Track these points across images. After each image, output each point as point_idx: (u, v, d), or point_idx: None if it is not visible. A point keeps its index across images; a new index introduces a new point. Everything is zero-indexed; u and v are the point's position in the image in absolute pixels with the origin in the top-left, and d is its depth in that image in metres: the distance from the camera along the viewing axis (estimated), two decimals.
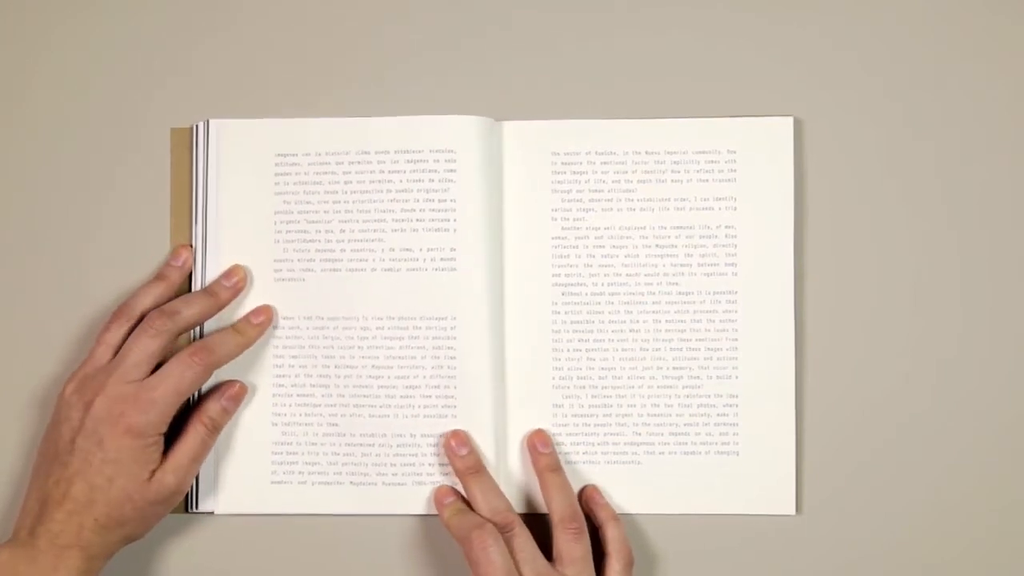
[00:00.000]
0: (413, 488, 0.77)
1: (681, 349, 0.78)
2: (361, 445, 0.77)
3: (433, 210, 0.77)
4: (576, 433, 0.78)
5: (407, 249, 0.77)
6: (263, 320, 0.77)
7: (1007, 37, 0.78)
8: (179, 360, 0.73)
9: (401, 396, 0.77)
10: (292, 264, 0.78)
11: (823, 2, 0.78)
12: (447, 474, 0.77)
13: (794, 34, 0.78)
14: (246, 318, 0.77)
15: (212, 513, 0.78)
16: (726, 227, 0.78)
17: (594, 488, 0.78)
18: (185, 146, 0.79)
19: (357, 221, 0.77)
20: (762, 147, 0.78)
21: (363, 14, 0.79)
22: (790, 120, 0.78)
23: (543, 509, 0.76)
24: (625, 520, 0.77)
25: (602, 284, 0.78)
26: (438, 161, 0.77)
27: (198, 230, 0.78)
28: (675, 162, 0.78)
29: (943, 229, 0.78)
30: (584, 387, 0.78)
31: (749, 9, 0.79)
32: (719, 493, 0.78)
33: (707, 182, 0.78)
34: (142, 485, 0.72)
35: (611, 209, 0.78)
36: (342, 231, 0.77)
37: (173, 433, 0.74)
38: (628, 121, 0.78)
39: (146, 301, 0.76)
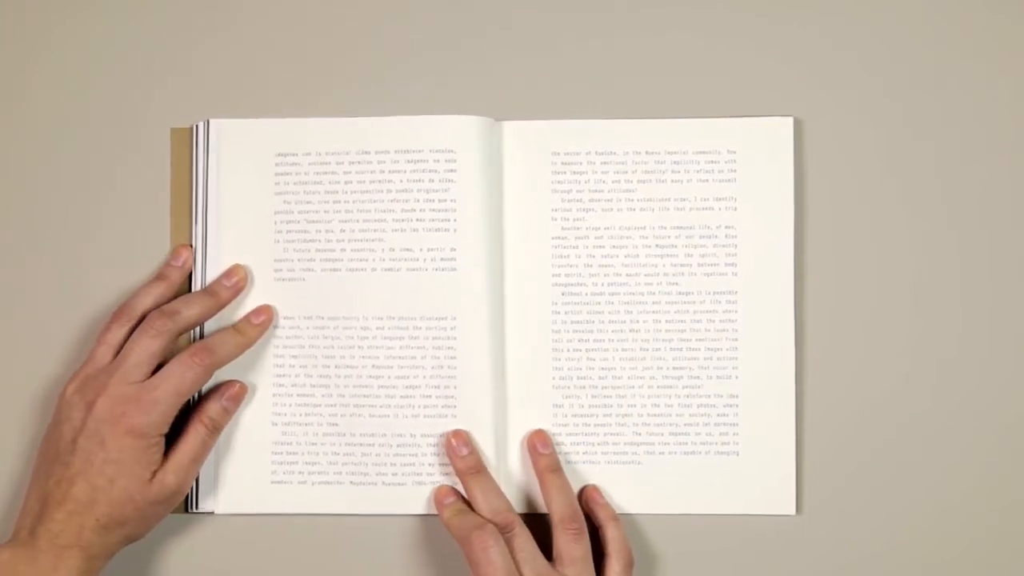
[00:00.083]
0: (413, 488, 0.77)
1: (681, 349, 0.78)
2: (361, 445, 0.77)
3: (433, 210, 0.77)
4: (576, 433, 0.78)
5: (407, 249, 0.77)
6: (264, 320, 0.77)
7: (1007, 37, 0.78)
8: (180, 361, 0.73)
9: (401, 396, 0.77)
10: (292, 264, 0.78)
11: (823, 2, 0.79)
12: (447, 474, 0.77)
13: (794, 34, 0.78)
14: (246, 318, 0.77)
15: (212, 513, 0.78)
16: (726, 227, 0.78)
17: (594, 488, 0.78)
18: (185, 146, 0.79)
19: (357, 221, 0.77)
20: (762, 147, 0.78)
21: (363, 14, 0.79)
22: (790, 120, 0.78)
23: (543, 509, 0.76)
24: (625, 520, 0.77)
25: (602, 284, 0.78)
26: (438, 161, 0.77)
27: (198, 230, 0.78)
28: (675, 162, 0.78)
29: (943, 229, 0.78)
30: (584, 387, 0.78)
31: (749, 9, 0.79)
32: (719, 493, 0.78)
33: (707, 182, 0.78)
34: (143, 485, 0.72)
35: (611, 209, 0.78)
36: (342, 231, 0.77)
37: (174, 433, 0.74)
38: (628, 121, 0.78)
39: (147, 301, 0.76)
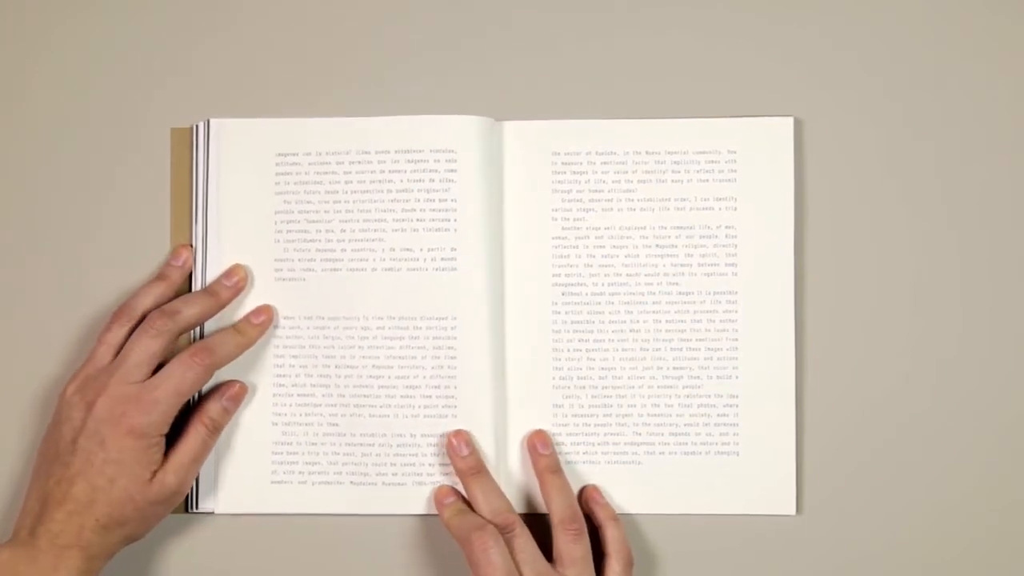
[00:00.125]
0: (413, 488, 0.77)
1: (681, 349, 0.78)
2: (361, 445, 0.77)
3: (434, 210, 0.77)
4: (576, 433, 0.78)
5: (407, 249, 0.77)
6: (264, 320, 0.77)
7: (1007, 37, 0.78)
8: (180, 361, 0.73)
9: (401, 396, 0.77)
10: (293, 264, 0.78)
11: (823, 2, 0.79)
12: (447, 474, 0.77)
13: (794, 34, 0.79)
14: (247, 318, 0.77)
15: (212, 513, 0.78)
16: (726, 227, 0.78)
17: (594, 488, 0.78)
18: (185, 146, 0.79)
19: (358, 221, 0.77)
20: (762, 147, 0.78)
21: (363, 14, 0.79)
22: (790, 120, 0.78)
23: (543, 509, 0.76)
24: (625, 520, 0.77)
25: (602, 284, 0.78)
26: (439, 161, 0.77)
27: (198, 230, 0.78)
28: (675, 162, 0.78)
29: (943, 229, 0.78)
30: (584, 387, 0.78)
31: (749, 9, 0.79)
32: (719, 493, 0.78)
33: (707, 182, 0.78)
34: (143, 485, 0.72)
35: (611, 209, 0.78)
36: (343, 231, 0.77)
37: (174, 433, 0.74)
38: (628, 121, 0.78)
39: (147, 301, 0.76)
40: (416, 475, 0.77)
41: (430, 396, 0.77)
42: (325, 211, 0.77)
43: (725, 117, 0.78)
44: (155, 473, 0.73)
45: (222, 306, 0.77)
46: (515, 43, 0.79)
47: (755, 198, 0.78)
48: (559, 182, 0.78)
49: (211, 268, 0.78)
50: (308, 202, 0.78)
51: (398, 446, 0.77)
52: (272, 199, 0.78)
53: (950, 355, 0.78)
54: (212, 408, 0.75)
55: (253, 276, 0.78)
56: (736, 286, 0.78)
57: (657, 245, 0.78)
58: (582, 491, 0.78)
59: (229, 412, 0.76)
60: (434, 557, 0.78)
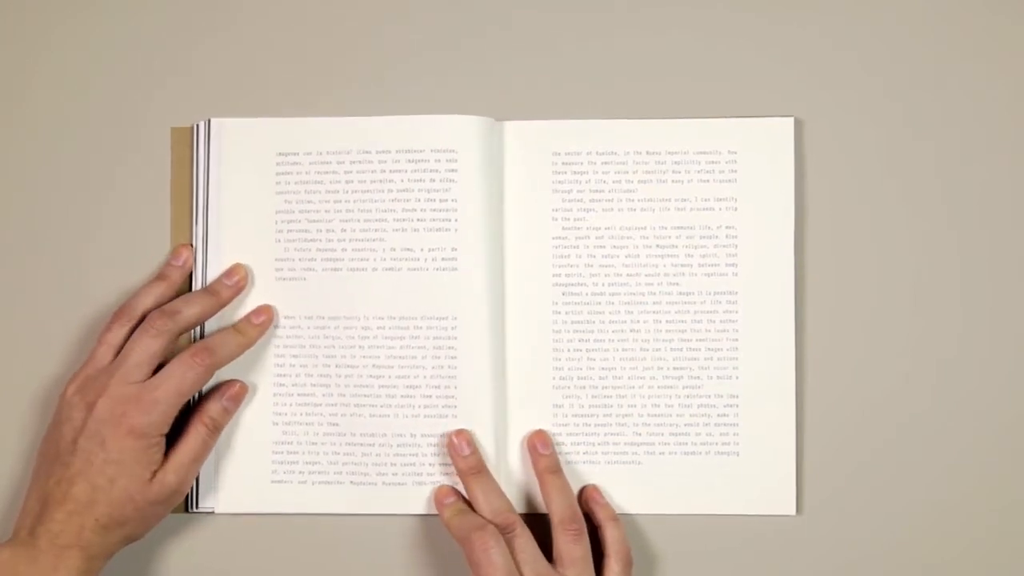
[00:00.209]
0: (413, 488, 0.77)
1: (681, 349, 0.78)
2: (361, 445, 0.77)
3: (434, 210, 0.77)
4: (576, 433, 0.78)
5: (408, 249, 0.77)
6: (264, 320, 0.77)
7: (1007, 37, 0.78)
8: (180, 361, 0.73)
9: (402, 396, 0.77)
10: (293, 263, 0.78)
11: (823, 2, 0.79)
12: (447, 474, 0.77)
13: (794, 34, 0.79)
14: (247, 318, 0.77)
15: (212, 512, 0.78)
16: (727, 227, 0.78)
17: (594, 488, 0.78)
18: (186, 145, 0.79)
19: (358, 220, 0.77)
20: (763, 148, 0.78)
21: (364, 14, 0.79)
22: (790, 121, 0.78)
23: (544, 509, 0.76)
24: (625, 520, 0.77)
25: (603, 284, 0.78)
26: (439, 161, 0.77)
27: (198, 229, 0.78)
28: (676, 162, 0.78)
29: (943, 229, 0.78)
30: (584, 387, 0.78)
31: (749, 9, 0.79)
32: (719, 493, 0.78)
33: (708, 182, 0.78)
34: (144, 485, 0.72)
35: (612, 209, 0.78)
36: (343, 230, 0.77)
37: (174, 433, 0.74)
38: (629, 121, 0.78)
39: (147, 301, 0.76)
40: (416, 475, 0.77)
41: (430, 396, 0.77)
42: (326, 211, 0.77)
43: (725, 117, 0.78)
44: (155, 473, 0.72)
45: (222, 305, 0.77)
46: (515, 43, 0.79)
47: (755, 198, 0.78)
48: (559, 182, 0.78)
49: (211, 268, 0.78)
50: (309, 202, 0.78)
51: (398, 446, 0.77)
52: (273, 199, 0.78)
53: (950, 355, 0.78)
54: (212, 408, 0.75)
55: (254, 276, 0.78)
56: (736, 286, 0.78)
57: (657, 245, 0.78)
58: (582, 491, 0.78)
59: (229, 412, 0.76)
60: (434, 557, 0.78)
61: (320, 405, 0.78)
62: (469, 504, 0.76)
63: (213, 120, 0.78)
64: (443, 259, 0.77)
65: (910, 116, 0.78)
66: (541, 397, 0.78)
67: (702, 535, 0.78)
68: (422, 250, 0.77)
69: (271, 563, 0.78)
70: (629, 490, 0.78)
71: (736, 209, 0.78)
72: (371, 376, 0.77)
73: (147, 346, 0.73)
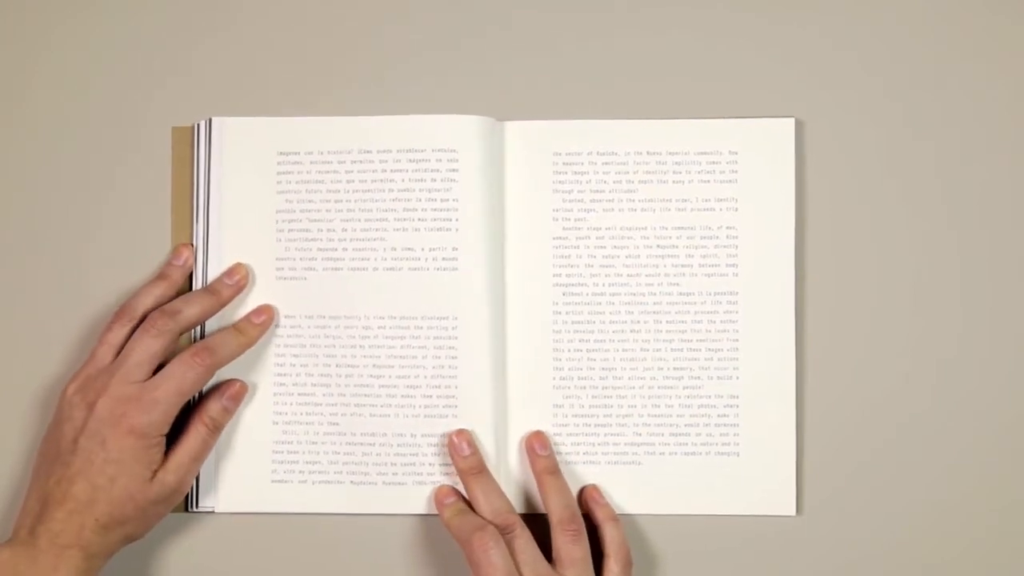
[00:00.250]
0: (413, 488, 0.77)
1: (682, 350, 0.78)
2: (362, 444, 0.77)
3: (435, 209, 0.77)
4: (577, 433, 0.78)
5: (409, 248, 0.77)
6: (264, 320, 0.77)
7: (1007, 37, 0.78)
8: (181, 361, 0.73)
9: (402, 395, 0.77)
10: (294, 263, 0.78)
11: (823, 2, 0.79)
12: (448, 474, 0.77)
13: (794, 34, 0.79)
14: (247, 318, 0.77)
15: (212, 511, 0.78)
16: (727, 228, 0.78)
17: (594, 488, 0.78)
18: (186, 145, 0.79)
19: (359, 220, 0.77)
20: (763, 148, 0.78)
21: (365, 13, 0.79)
22: (791, 121, 0.78)
23: (544, 510, 0.76)
24: (625, 521, 0.77)
25: (603, 284, 0.78)
26: (440, 160, 0.77)
27: (199, 229, 0.78)
28: (676, 163, 0.78)
29: (943, 229, 0.78)
30: (585, 387, 0.78)
31: (749, 9, 0.79)
32: (719, 494, 0.78)
33: (708, 183, 0.78)
34: (144, 485, 0.72)
35: (612, 209, 0.78)
36: (344, 230, 0.77)
37: (174, 432, 0.74)
38: (629, 121, 0.78)
39: (148, 301, 0.76)
40: (416, 475, 0.77)
41: (431, 396, 0.77)
42: (327, 210, 0.77)
43: (725, 117, 0.78)
44: (155, 472, 0.72)
45: (223, 304, 0.77)
46: (516, 43, 0.79)
47: (756, 199, 0.78)
48: (560, 182, 0.78)
49: (212, 267, 0.78)
50: (310, 201, 0.78)
51: (399, 446, 0.77)
52: (274, 198, 0.78)
53: (950, 355, 0.78)
54: (212, 407, 0.75)
55: (254, 275, 0.78)
56: (737, 287, 0.78)
57: (658, 246, 0.78)
58: (582, 491, 0.78)
59: (229, 411, 0.76)
60: (434, 557, 0.78)
61: (320, 405, 0.77)
62: (469, 504, 0.76)
63: (214, 119, 0.78)
64: (444, 259, 0.77)
65: (910, 116, 0.78)
66: (541, 397, 0.78)
67: (702, 535, 0.78)
68: (423, 250, 0.77)
69: (271, 563, 0.78)
70: (629, 490, 0.78)
71: (737, 210, 0.78)
72: (371, 376, 0.77)
73: (148, 346, 0.73)
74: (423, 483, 0.77)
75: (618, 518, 0.76)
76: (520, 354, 0.78)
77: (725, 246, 0.78)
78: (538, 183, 0.78)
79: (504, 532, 0.73)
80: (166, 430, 0.73)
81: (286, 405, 0.78)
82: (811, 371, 0.78)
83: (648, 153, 0.78)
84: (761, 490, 0.78)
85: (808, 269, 0.78)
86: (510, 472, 0.78)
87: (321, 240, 0.77)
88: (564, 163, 0.78)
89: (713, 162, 0.78)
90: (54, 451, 0.72)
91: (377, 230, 0.77)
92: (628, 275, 0.78)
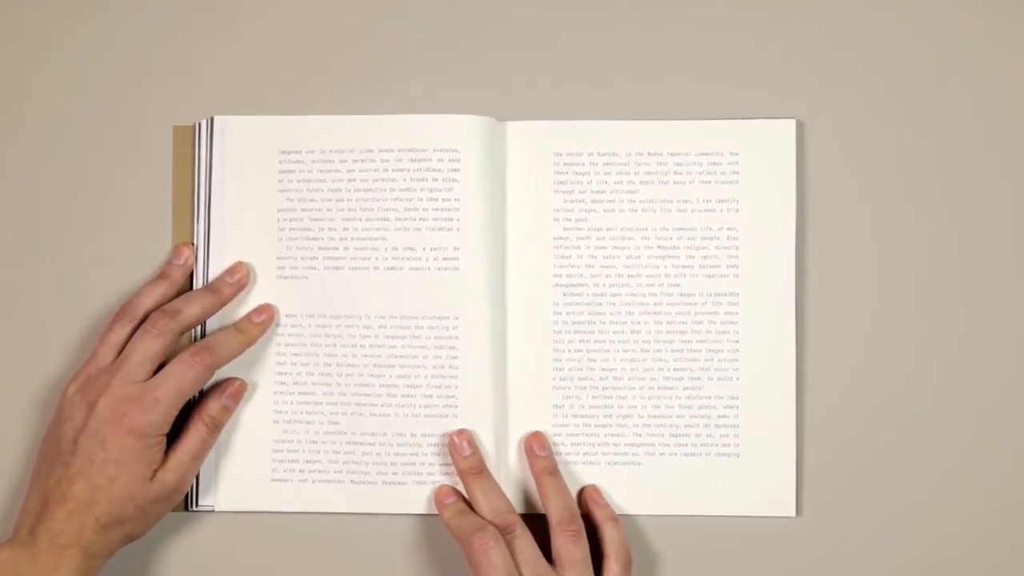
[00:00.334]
0: (414, 487, 0.77)
1: (682, 350, 0.78)
2: (362, 444, 0.77)
3: (436, 209, 0.77)
4: (577, 434, 0.78)
5: (410, 248, 0.77)
6: (265, 319, 0.77)
7: (1007, 37, 0.78)
8: (181, 360, 0.73)
9: (402, 395, 0.77)
10: (295, 262, 0.78)
11: (823, 2, 0.79)
12: (448, 474, 0.77)
13: (794, 34, 0.79)
14: (248, 317, 0.77)
15: (212, 510, 0.78)
16: (728, 229, 0.78)
17: (594, 488, 0.78)
18: (188, 144, 0.79)
19: (360, 219, 0.77)
20: (764, 149, 0.78)
21: (366, 13, 0.80)
22: (792, 123, 0.78)
23: (544, 510, 0.76)
24: (625, 521, 0.77)
25: (604, 285, 0.78)
26: (442, 160, 0.77)
27: (200, 228, 0.78)
28: (677, 164, 0.78)
29: (943, 229, 0.78)
30: (585, 388, 0.78)
31: (749, 9, 0.79)
32: (719, 495, 0.78)
33: (709, 184, 0.78)
34: (144, 484, 0.72)
35: (613, 210, 0.78)
36: (345, 229, 0.77)
37: (174, 432, 0.74)
38: (630, 122, 0.78)
39: (148, 301, 0.76)
40: (416, 474, 0.77)
41: (431, 396, 0.77)
42: (328, 209, 0.77)
43: (725, 117, 0.78)
44: (155, 472, 0.72)
45: (224, 303, 0.77)
46: (517, 43, 0.79)
47: (757, 200, 0.78)
48: (561, 182, 0.78)
49: (213, 266, 0.78)
50: (311, 200, 0.78)
51: (399, 445, 0.77)
52: (275, 197, 0.78)
53: (950, 355, 0.78)
54: (212, 406, 0.75)
55: (255, 274, 0.78)
56: (737, 288, 0.78)
57: (659, 246, 0.78)
58: (582, 491, 0.78)
59: (229, 410, 0.76)
60: (434, 557, 0.78)
61: (321, 404, 0.77)
62: (469, 504, 0.76)
63: (216, 118, 0.78)
64: (445, 259, 0.77)
65: (910, 116, 0.79)
66: (542, 397, 0.78)
67: (702, 536, 0.78)
68: (424, 249, 0.77)
69: (271, 562, 0.78)
70: (629, 491, 0.78)
71: (737, 211, 0.78)
72: (372, 375, 0.77)
73: (149, 346, 0.73)
74: (423, 483, 0.77)
75: (618, 518, 0.76)
76: (520, 354, 0.78)
77: (726, 247, 0.78)
78: (539, 183, 0.78)
79: (504, 532, 0.73)
80: (166, 430, 0.73)
81: (286, 404, 0.78)
82: (811, 372, 0.78)
83: (649, 154, 0.78)
84: (761, 491, 0.78)
85: (808, 270, 0.78)
86: (510, 472, 0.78)
87: (322, 239, 0.77)
88: (565, 163, 0.78)
89: (714, 163, 0.78)
90: (54, 451, 0.72)
91: (378, 229, 0.77)
92: (629, 276, 0.78)
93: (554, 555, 0.74)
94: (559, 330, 0.78)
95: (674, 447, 0.78)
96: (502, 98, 0.79)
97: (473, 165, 0.77)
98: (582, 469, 0.78)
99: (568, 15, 0.79)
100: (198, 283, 0.78)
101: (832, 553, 0.78)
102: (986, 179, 0.78)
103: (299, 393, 0.78)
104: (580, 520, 0.75)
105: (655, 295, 0.78)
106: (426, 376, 0.77)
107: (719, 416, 0.78)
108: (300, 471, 0.78)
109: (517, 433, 0.78)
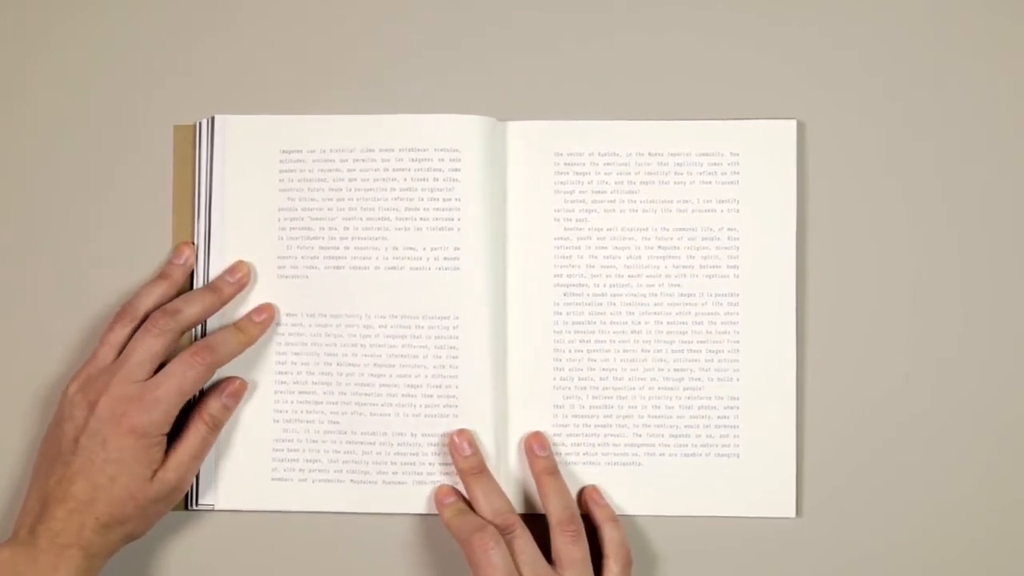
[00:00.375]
0: (413, 487, 0.77)
1: (682, 351, 0.78)
2: (362, 443, 0.77)
3: (437, 209, 0.77)
4: (577, 434, 0.78)
5: (410, 248, 0.77)
6: (265, 318, 0.77)
7: (1007, 37, 0.79)
8: (181, 360, 0.73)
9: (403, 395, 0.77)
10: (296, 261, 0.78)
11: (823, 2, 0.79)
12: (448, 473, 0.77)
13: (794, 34, 0.79)
14: (248, 316, 0.77)
15: (212, 509, 0.78)
16: (728, 229, 0.78)
17: (594, 488, 0.78)
18: (188, 143, 0.79)
19: (361, 219, 0.77)
20: (765, 150, 0.78)
21: (366, 12, 0.80)
22: (793, 123, 0.78)
23: (543, 510, 0.76)
24: (625, 521, 0.77)
25: (604, 285, 0.78)
26: (443, 160, 0.77)
27: (201, 227, 0.78)
28: (678, 164, 0.78)
29: (943, 229, 0.78)
30: (585, 388, 0.78)
31: (749, 9, 0.79)
32: (719, 495, 0.78)
33: (710, 184, 0.78)
34: (144, 484, 0.72)
35: (613, 210, 0.78)
36: (346, 228, 0.77)
37: (174, 431, 0.74)
38: (631, 122, 0.78)
39: (149, 301, 0.76)
40: (416, 474, 0.77)
41: (431, 395, 0.77)
42: (328, 208, 0.77)
43: (725, 118, 0.78)
44: (156, 472, 0.72)
45: (224, 302, 0.77)
46: (517, 43, 0.79)
47: (757, 200, 0.78)
48: (561, 183, 0.78)
49: (214, 266, 0.78)
50: (312, 199, 0.78)
51: (399, 445, 0.77)
52: (276, 196, 0.78)
53: (950, 355, 0.78)
54: (212, 405, 0.75)
55: (256, 273, 0.78)
56: (738, 288, 0.78)
57: (659, 247, 0.78)
58: (582, 492, 0.78)
59: (229, 409, 0.76)
60: (434, 557, 0.78)
61: (321, 403, 0.77)
62: (469, 504, 0.76)
63: (217, 117, 0.78)
64: (445, 258, 0.77)
65: (910, 117, 0.79)
66: (542, 397, 0.78)
67: (702, 537, 0.78)
68: (424, 249, 0.77)
69: (270, 561, 0.78)
70: (629, 491, 0.78)
71: (738, 211, 0.78)
72: (372, 375, 0.77)
73: (149, 346, 0.73)
74: (423, 483, 0.77)
75: (618, 519, 0.76)
76: (521, 354, 0.78)
77: (726, 247, 0.78)
78: (539, 183, 0.78)
79: (504, 532, 0.73)
80: (167, 429, 0.73)
81: (287, 403, 0.78)
82: (811, 372, 0.78)
83: (650, 154, 0.78)
84: (761, 491, 0.78)
85: (809, 270, 0.78)
86: (510, 472, 0.78)
87: (323, 239, 0.77)
88: (566, 163, 0.78)
89: (715, 163, 0.78)
90: (55, 450, 0.72)
91: (379, 229, 0.77)
92: (629, 276, 0.78)
93: (554, 555, 0.74)
94: (559, 330, 0.78)
95: (674, 447, 0.78)
96: (502, 98, 0.79)
97: (474, 165, 0.77)
98: (582, 469, 0.78)
99: (568, 15, 0.79)
100: (198, 283, 0.78)
101: (832, 553, 0.78)
102: (986, 179, 0.78)
103: (299, 392, 0.78)
104: (580, 520, 0.75)
105: (655, 295, 0.78)
106: (426, 376, 0.77)
107: (719, 416, 0.78)
108: (300, 470, 0.78)
109: (517, 433, 0.78)
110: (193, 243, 0.78)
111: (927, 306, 0.78)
